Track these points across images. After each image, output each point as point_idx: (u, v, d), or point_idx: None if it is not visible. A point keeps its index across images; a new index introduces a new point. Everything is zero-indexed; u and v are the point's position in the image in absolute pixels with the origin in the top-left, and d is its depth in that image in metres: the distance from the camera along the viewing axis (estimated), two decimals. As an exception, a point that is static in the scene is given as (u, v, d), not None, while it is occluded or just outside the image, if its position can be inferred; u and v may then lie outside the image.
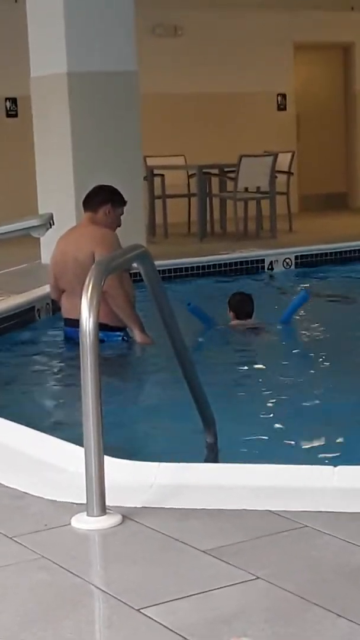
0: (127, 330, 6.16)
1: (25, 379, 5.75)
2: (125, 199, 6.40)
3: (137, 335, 6.01)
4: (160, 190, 11.60)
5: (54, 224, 4.24)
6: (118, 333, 6.16)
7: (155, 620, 2.33)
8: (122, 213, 6.39)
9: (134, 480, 3.24)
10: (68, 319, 6.21)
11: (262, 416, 4.77)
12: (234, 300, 6.84)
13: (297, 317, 7.11)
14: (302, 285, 8.69)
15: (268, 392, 5.19)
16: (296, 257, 9.54)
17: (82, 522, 2.93)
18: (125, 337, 6.17)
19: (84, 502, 2.96)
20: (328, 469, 3.19)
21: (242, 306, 6.78)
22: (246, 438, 4.34)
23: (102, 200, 6.31)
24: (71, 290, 6.14)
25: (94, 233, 6.19)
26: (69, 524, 2.94)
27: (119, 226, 6.35)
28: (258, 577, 2.54)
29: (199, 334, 6.53)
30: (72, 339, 5.83)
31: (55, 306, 7.25)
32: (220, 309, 6.85)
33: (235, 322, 6.73)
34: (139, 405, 5.17)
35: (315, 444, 4.21)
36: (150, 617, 2.35)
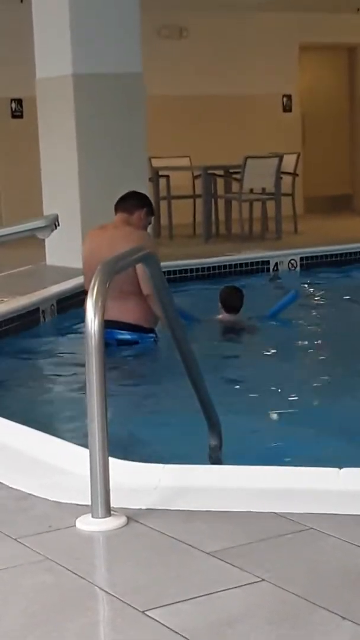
0: (156, 332, 6.23)
1: (30, 380, 5.75)
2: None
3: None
4: (166, 191, 11.61)
5: (59, 225, 4.24)
6: (151, 335, 6.22)
7: (160, 622, 2.33)
8: (151, 223, 6.45)
9: (138, 481, 3.23)
10: None
11: (266, 418, 4.77)
12: (224, 292, 6.92)
13: (299, 317, 7.12)
14: (306, 285, 8.69)
15: (271, 393, 5.18)
16: (301, 259, 9.54)
17: (87, 524, 2.93)
18: (156, 339, 6.21)
19: (89, 503, 2.96)
20: (333, 471, 3.19)
21: (230, 300, 6.84)
22: (251, 440, 4.33)
23: (138, 204, 6.34)
24: None
25: (131, 234, 6.13)
26: (74, 525, 2.94)
27: None
28: (263, 580, 2.54)
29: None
30: None
31: (60, 307, 7.27)
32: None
33: (221, 316, 6.80)
34: (145, 406, 5.17)
35: (320, 445, 4.21)
36: (154, 619, 2.35)
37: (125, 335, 6.09)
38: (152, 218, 6.53)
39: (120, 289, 5.90)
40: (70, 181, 9.07)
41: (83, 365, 3.00)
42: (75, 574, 2.63)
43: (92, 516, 2.94)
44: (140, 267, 5.39)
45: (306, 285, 8.78)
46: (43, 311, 7.18)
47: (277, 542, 2.78)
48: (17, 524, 3.00)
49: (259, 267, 9.29)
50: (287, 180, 11.62)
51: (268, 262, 9.37)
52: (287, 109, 14.40)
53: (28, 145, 10.70)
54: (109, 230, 6.27)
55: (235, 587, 2.51)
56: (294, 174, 11.81)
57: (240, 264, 9.21)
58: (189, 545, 2.78)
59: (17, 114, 12.49)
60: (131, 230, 6.20)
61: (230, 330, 6.83)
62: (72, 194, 9.01)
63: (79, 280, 7.18)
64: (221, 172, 11.80)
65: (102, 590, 2.57)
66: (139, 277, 5.98)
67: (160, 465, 3.31)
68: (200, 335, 6.21)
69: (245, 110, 13.78)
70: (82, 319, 3.01)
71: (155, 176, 11.43)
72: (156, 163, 11.47)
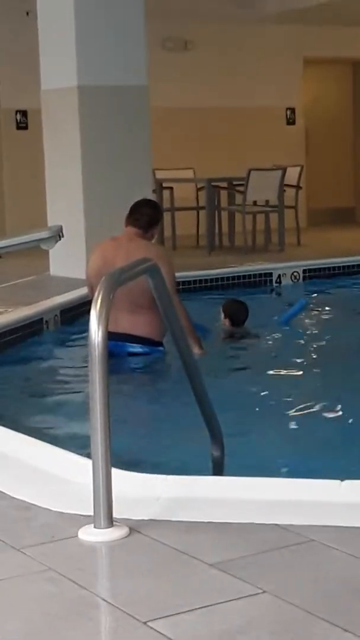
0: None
1: (34, 390, 5.76)
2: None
3: (195, 349, 5.85)
4: (169, 203, 11.63)
5: (63, 236, 4.26)
6: (160, 348, 6.22)
7: (161, 633, 2.34)
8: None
9: (141, 492, 3.24)
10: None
11: (268, 429, 4.77)
12: (232, 307, 6.99)
13: (303, 328, 7.12)
14: (311, 298, 8.70)
15: (273, 405, 5.19)
16: (304, 271, 9.55)
17: (89, 534, 2.94)
18: (165, 351, 6.21)
19: (91, 514, 2.97)
20: (335, 483, 3.19)
21: (239, 314, 6.92)
22: (253, 451, 4.34)
23: (154, 222, 6.26)
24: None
25: (149, 247, 6.08)
26: (76, 535, 2.94)
27: None
28: (264, 591, 2.54)
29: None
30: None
31: (64, 317, 7.28)
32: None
33: (228, 328, 6.85)
34: (148, 417, 5.17)
35: (322, 457, 4.21)
36: (156, 630, 2.35)
37: (136, 348, 6.10)
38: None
39: (132, 301, 5.90)
40: (74, 192, 9.09)
41: (86, 375, 3.01)
42: (77, 584, 2.64)
43: (95, 527, 2.95)
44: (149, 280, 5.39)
45: (310, 298, 8.79)
46: (47, 321, 7.20)
47: (278, 553, 2.78)
48: (19, 534, 3.00)
49: (262, 279, 9.31)
50: (290, 192, 11.64)
51: (271, 274, 9.39)
52: (290, 121, 14.44)
53: (33, 156, 10.73)
54: (123, 243, 6.15)
55: (237, 599, 2.51)
56: (298, 187, 11.84)
57: (243, 276, 9.22)
58: (191, 556, 2.78)
59: (22, 125, 12.52)
60: (147, 244, 6.11)
61: (232, 339, 6.87)
62: (76, 205, 9.04)
63: (82, 291, 7.18)
64: (225, 184, 11.83)
65: (104, 600, 2.57)
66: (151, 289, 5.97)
67: (163, 476, 3.31)
68: (206, 346, 6.23)
69: (249, 123, 13.81)
70: (86, 329, 3.02)
71: (159, 188, 11.46)
72: (160, 175, 11.49)
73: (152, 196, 9.85)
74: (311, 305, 8.48)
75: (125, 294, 5.76)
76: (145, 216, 6.25)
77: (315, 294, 8.96)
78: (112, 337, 6.12)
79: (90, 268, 6.26)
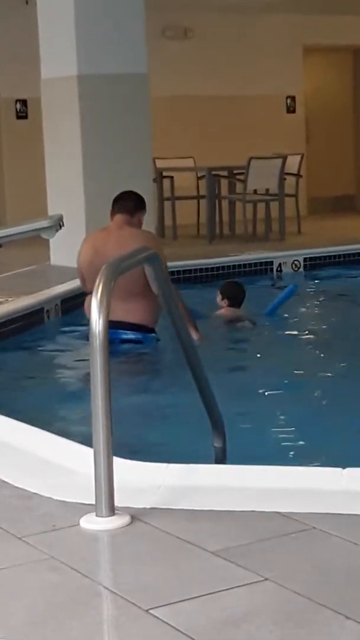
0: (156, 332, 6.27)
1: (34, 380, 5.76)
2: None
3: (193, 334, 5.93)
4: (170, 192, 11.62)
5: (63, 225, 4.25)
6: (153, 335, 6.25)
7: (164, 621, 2.34)
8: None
9: (142, 481, 3.24)
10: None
11: (270, 417, 4.78)
12: (230, 288, 7.05)
13: (303, 316, 7.13)
14: (310, 286, 8.70)
15: (275, 392, 5.19)
16: (305, 259, 9.55)
17: (91, 523, 2.94)
18: (158, 338, 6.25)
19: (93, 502, 2.97)
20: (336, 470, 3.19)
21: (235, 292, 7.00)
22: (254, 439, 4.34)
23: (139, 205, 6.38)
24: None
25: (138, 234, 6.18)
26: (78, 524, 2.94)
27: None
28: (266, 579, 2.55)
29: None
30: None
31: (64, 307, 7.28)
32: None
33: (223, 310, 6.89)
34: (149, 406, 5.18)
35: (324, 445, 4.21)
36: (158, 618, 2.36)
37: (129, 335, 6.12)
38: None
39: (126, 289, 5.92)
40: (74, 181, 9.08)
41: (87, 364, 3.01)
42: (80, 572, 2.64)
43: (97, 515, 2.95)
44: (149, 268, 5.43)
45: (310, 286, 8.79)
46: (47, 311, 7.20)
47: (280, 541, 2.79)
48: (21, 522, 3.00)
49: (263, 268, 9.30)
50: (290, 181, 11.63)
51: (272, 263, 9.38)
52: (291, 110, 14.41)
53: (33, 145, 10.71)
54: (113, 232, 6.27)
55: (239, 587, 2.51)
56: (298, 175, 11.82)
57: (244, 265, 9.22)
58: (193, 544, 2.79)
59: (21, 115, 12.50)
60: (137, 231, 6.23)
61: (233, 325, 6.89)
62: (76, 194, 9.02)
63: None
64: (225, 173, 11.81)
65: (106, 589, 2.58)
66: (148, 277, 6.00)
67: (164, 465, 3.31)
68: (205, 332, 6.23)
69: (249, 111, 13.79)
70: (86, 318, 3.02)
71: (160, 177, 11.44)
72: (160, 164, 11.48)
73: (152, 185, 9.84)
74: (313, 293, 8.48)
75: (118, 282, 5.79)
76: (130, 201, 6.37)
77: (315, 282, 8.96)
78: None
79: (82, 259, 6.32)
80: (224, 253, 9.65)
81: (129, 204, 6.36)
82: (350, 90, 15.26)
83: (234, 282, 7.30)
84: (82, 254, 6.36)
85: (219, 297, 7.07)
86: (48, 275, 8.76)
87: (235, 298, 7.02)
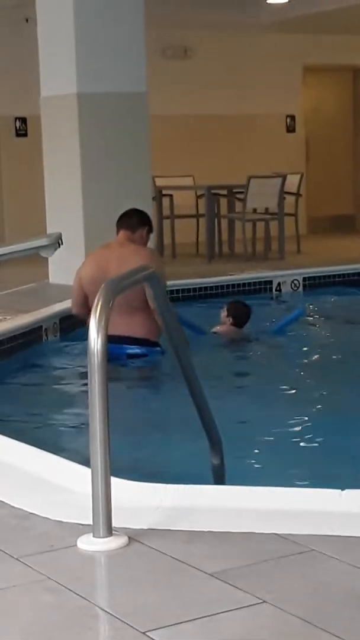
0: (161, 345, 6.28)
1: (32, 398, 5.75)
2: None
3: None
4: (169, 210, 11.63)
5: (62, 243, 4.24)
6: (158, 348, 6.30)
7: (161, 644, 2.32)
8: (149, 240, 6.57)
9: (140, 501, 3.23)
10: None
11: (269, 438, 4.76)
12: (237, 307, 7.06)
13: (303, 336, 7.12)
14: (310, 306, 8.69)
15: (274, 413, 5.17)
16: (304, 279, 9.54)
17: (88, 543, 2.92)
18: (162, 352, 6.27)
19: (90, 523, 2.95)
20: (335, 492, 3.18)
21: (243, 315, 7.02)
22: (253, 460, 4.32)
23: (142, 222, 6.48)
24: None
25: (139, 251, 6.27)
26: (75, 545, 2.93)
27: None
28: (264, 601, 2.53)
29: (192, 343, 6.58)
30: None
31: (63, 325, 7.27)
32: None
33: (225, 327, 6.90)
34: (147, 425, 5.16)
35: (323, 466, 4.20)
36: (155, 640, 2.34)
37: (135, 350, 6.19)
38: (151, 235, 6.67)
39: (127, 304, 5.97)
40: (74, 200, 9.09)
41: (85, 383, 3.00)
42: (76, 593, 2.62)
43: (94, 536, 2.93)
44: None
45: (310, 306, 8.78)
46: (46, 329, 7.19)
47: (278, 563, 2.77)
48: (18, 543, 2.99)
49: (262, 287, 9.30)
50: (290, 200, 11.64)
51: (271, 282, 9.38)
52: (290, 129, 14.44)
53: (32, 163, 10.73)
54: (115, 249, 6.35)
55: (237, 609, 2.50)
56: (298, 194, 11.84)
57: (243, 284, 9.21)
58: (191, 565, 2.77)
59: (21, 133, 12.52)
60: (138, 248, 6.30)
61: (234, 343, 6.90)
62: (75, 212, 9.03)
63: (81, 298, 7.17)
64: (224, 192, 11.82)
65: (103, 610, 2.56)
66: (147, 296, 6.03)
67: (162, 485, 3.30)
68: (205, 349, 6.24)
69: (249, 130, 13.82)
70: (85, 337, 3.01)
71: (159, 195, 11.45)
72: (160, 182, 11.49)
73: (151, 204, 9.85)
74: (311, 313, 8.48)
75: (121, 297, 5.82)
76: (134, 217, 6.49)
77: (315, 302, 8.95)
78: (110, 340, 6.15)
79: (84, 276, 6.37)
80: (223, 272, 9.65)
81: (130, 220, 6.46)
82: (350, 110, 15.29)
83: (242, 304, 7.28)
84: (85, 272, 6.44)
85: (224, 313, 7.09)
86: (47, 293, 8.75)
87: (240, 318, 7.06)
